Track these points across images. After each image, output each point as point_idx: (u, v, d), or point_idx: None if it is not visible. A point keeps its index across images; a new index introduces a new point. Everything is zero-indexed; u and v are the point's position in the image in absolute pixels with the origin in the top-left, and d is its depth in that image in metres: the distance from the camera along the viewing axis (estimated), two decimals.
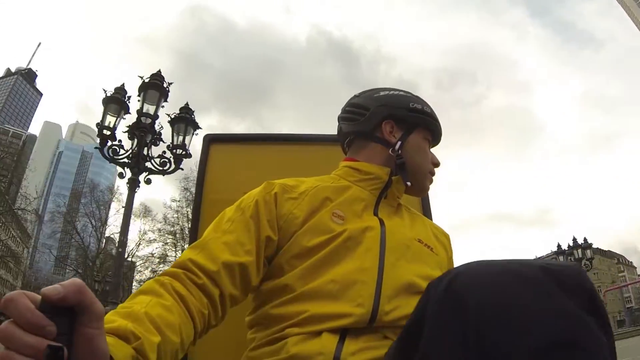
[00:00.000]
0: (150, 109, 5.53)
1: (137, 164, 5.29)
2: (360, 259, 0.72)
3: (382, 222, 0.79)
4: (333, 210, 0.78)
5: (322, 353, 0.64)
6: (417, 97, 0.92)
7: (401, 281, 0.72)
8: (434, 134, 0.92)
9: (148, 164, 5.43)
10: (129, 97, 5.60)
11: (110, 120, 5.33)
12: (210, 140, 1.45)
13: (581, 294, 0.41)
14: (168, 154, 5.58)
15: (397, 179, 0.84)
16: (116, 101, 5.41)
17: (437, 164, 0.92)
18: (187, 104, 5.86)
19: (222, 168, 1.43)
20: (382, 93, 0.92)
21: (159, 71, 5.76)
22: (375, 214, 0.81)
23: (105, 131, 5.25)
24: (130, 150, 5.37)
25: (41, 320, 0.35)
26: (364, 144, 0.90)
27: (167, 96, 5.72)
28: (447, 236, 0.93)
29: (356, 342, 0.65)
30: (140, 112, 5.49)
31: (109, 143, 5.29)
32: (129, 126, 5.47)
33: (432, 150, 0.95)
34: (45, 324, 0.35)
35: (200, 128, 5.81)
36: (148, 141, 5.45)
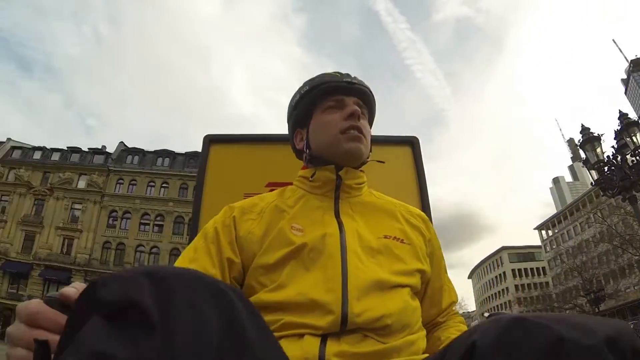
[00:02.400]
0: None
1: None
2: (323, 268, 0.73)
3: (341, 227, 0.78)
4: (291, 223, 0.79)
5: (307, 358, 0.65)
6: (302, 86, 0.92)
7: (368, 281, 0.72)
8: (327, 93, 0.87)
9: None
10: None
11: None
12: (210, 141, 1.46)
13: None
14: None
15: (346, 169, 0.84)
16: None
17: (349, 115, 0.84)
18: None
19: (221, 168, 1.43)
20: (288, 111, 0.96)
21: None
22: (337, 215, 0.81)
23: None
24: None
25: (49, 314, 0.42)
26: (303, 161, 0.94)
27: None
28: (423, 217, 0.90)
29: (338, 344, 0.66)
30: None
31: None
32: None
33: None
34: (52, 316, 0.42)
35: None
36: None
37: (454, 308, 0.90)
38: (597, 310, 21.51)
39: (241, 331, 0.40)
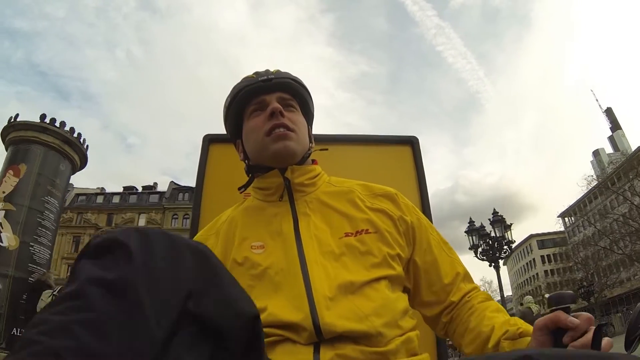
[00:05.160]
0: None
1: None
2: (289, 287, 0.71)
3: (299, 237, 0.76)
4: (251, 242, 0.78)
5: None
6: (227, 96, 0.89)
7: (334, 287, 0.70)
8: (248, 99, 0.85)
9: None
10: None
11: None
12: (210, 141, 1.43)
13: None
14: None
15: (291, 169, 0.82)
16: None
17: (269, 114, 0.82)
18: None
19: (221, 168, 1.40)
20: None
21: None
22: (294, 217, 0.79)
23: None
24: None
25: None
26: None
27: None
28: (389, 195, 0.85)
29: (332, 349, 0.65)
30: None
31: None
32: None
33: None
34: None
35: None
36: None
37: (472, 285, 0.83)
38: (586, 303, 24.17)
39: (214, 273, 0.45)
